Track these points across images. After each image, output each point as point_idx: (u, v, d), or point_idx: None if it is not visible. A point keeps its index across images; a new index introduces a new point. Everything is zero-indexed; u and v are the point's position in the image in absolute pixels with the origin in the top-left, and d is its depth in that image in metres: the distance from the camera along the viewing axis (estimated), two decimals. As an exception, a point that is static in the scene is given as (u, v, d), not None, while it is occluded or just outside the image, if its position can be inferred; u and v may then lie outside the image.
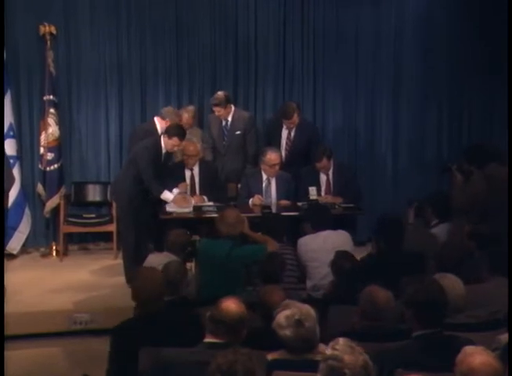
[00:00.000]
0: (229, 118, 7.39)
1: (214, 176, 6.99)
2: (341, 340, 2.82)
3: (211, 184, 6.90)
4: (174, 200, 6.44)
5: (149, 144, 6.56)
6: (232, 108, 7.41)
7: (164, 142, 6.51)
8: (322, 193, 6.87)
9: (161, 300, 4.01)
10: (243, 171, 7.30)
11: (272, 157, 6.74)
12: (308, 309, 3.37)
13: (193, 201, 6.64)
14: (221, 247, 5.26)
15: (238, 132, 7.38)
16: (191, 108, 7.72)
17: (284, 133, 7.39)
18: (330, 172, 6.94)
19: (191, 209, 6.46)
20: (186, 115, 7.51)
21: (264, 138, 7.74)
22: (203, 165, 6.97)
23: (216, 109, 7.27)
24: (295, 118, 7.23)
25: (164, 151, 6.56)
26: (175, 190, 6.57)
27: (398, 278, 3.87)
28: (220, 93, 7.37)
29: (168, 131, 6.51)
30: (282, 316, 3.32)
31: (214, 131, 7.46)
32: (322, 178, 6.94)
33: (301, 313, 3.31)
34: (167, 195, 6.44)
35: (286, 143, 7.38)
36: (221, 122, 7.41)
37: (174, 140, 6.46)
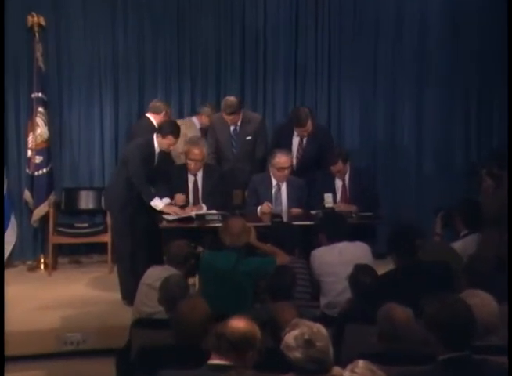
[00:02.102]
0: (238, 122, 7.32)
1: (219, 182, 6.88)
2: (361, 362, 2.80)
3: (216, 191, 6.82)
4: (163, 209, 6.42)
5: (141, 143, 6.56)
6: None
7: (158, 142, 6.51)
8: (338, 200, 6.83)
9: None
10: (251, 177, 7.26)
11: (281, 159, 6.70)
12: (320, 328, 3.33)
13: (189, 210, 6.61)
14: (226, 259, 5.25)
15: (248, 137, 7.32)
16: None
17: (295, 140, 7.31)
18: (346, 177, 6.90)
19: (192, 215, 6.44)
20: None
21: (272, 145, 7.62)
22: (207, 170, 6.88)
23: (230, 117, 7.19)
24: (309, 126, 7.16)
25: (157, 151, 6.55)
26: (166, 200, 6.51)
27: (423, 295, 3.84)
28: (232, 99, 7.23)
29: (161, 130, 6.50)
30: (290, 337, 3.29)
31: (220, 136, 7.35)
32: (338, 183, 6.90)
33: (312, 333, 3.27)
34: (156, 202, 6.43)
35: (298, 151, 7.30)
36: (229, 127, 7.32)
37: (169, 139, 6.45)
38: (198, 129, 7.65)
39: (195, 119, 7.75)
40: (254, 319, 3.57)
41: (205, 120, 7.66)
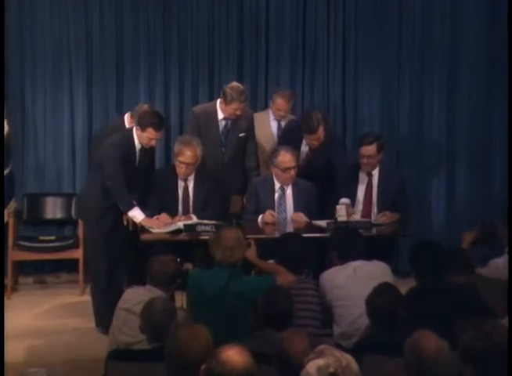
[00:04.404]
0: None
1: (214, 189, 6.90)
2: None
3: (211, 199, 6.85)
4: (143, 223, 6.43)
5: (116, 141, 6.58)
6: None
7: (138, 137, 6.54)
8: (360, 198, 6.85)
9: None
10: (249, 180, 7.27)
11: (285, 158, 6.73)
12: (349, 362, 3.30)
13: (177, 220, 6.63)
14: (216, 278, 5.22)
15: (242, 134, 7.35)
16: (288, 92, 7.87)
17: (303, 149, 7.32)
18: (376, 172, 6.94)
19: (180, 225, 6.45)
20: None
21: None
22: (200, 175, 6.88)
23: (242, 105, 7.18)
24: (320, 133, 7.11)
25: (138, 148, 6.58)
26: (139, 214, 6.51)
27: (453, 321, 3.84)
28: (239, 84, 7.24)
29: (141, 122, 6.50)
30: (313, 366, 3.27)
31: (208, 133, 7.28)
32: (363, 178, 6.93)
33: (339, 366, 3.25)
34: (135, 213, 6.44)
35: (304, 160, 7.33)
36: (218, 122, 7.29)
37: (150, 132, 6.46)
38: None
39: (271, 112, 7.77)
40: (253, 349, 3.57)
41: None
